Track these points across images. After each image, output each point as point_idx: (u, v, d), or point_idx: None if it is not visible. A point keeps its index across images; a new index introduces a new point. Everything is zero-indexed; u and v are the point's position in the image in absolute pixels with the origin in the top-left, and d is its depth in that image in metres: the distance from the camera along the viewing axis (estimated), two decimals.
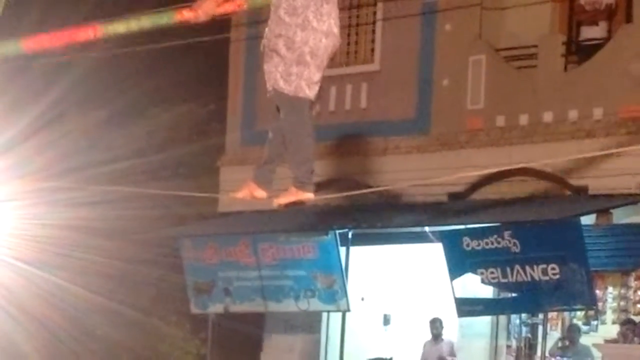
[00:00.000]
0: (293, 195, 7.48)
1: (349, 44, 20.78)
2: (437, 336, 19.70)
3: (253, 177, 7.80)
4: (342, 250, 19.46)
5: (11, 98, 20.11)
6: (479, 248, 18.17)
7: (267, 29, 7.26)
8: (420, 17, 20.21)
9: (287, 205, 7.78)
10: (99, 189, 18.06)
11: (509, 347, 19.88)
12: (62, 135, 22.58)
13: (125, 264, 22.24)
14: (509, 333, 20.03)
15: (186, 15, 7.22)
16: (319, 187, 18.39)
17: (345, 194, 19.83)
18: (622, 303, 18.93)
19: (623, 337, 17.85)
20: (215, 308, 20.91)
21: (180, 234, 21.67)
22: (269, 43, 7.23)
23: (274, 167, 7.76)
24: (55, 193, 17.98)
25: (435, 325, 19.60)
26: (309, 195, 7.47)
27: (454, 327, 19.86)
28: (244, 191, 7.83)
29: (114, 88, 23.81)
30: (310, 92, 7.12)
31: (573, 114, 18.44)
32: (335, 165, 20.46)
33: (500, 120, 18.88)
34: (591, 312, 19.01)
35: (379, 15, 20.80)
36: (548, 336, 18.94)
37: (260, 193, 7.67)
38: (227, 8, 7.41)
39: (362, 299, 20.46)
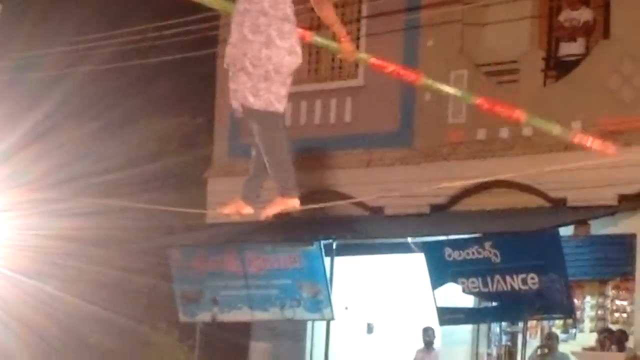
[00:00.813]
0: (279, 205, 7.55)
1: (333, 59, 20.88)
2: (429, 344, 19.70)
3: (241, 195, 7.86)
4: (327, 260, 19.35)
5: (5, 110, 20.18)
6: (460, 258, 18.25)
7: (228, 47, 7.31)
8: (403, 33, 20.25)
9: (275, 215, 7.71)
10: (90, 201, 17.75)
11: (489, 354, 19.88)
12: (55, 147, 22.41)
13: (117, 273, 22.21)
14: (489, 341, 19.96)
15: None
16: (304, 199, 18.58)
17: (329, 204, 16.64)
18: (599, 312, 19.07)
19: (601, 345, 17.90)
20: (203, 316, 20.78)
21: (169, 244, 21.63)
22: (234, 61, 7.38)
23: (261, 181, 7.83)
24: (48, 204, 18.00)
25: (428, 333, 19.59)
26: (294, 203, 7.53)
27: (437, 335, 19.84)
28: (231, 207, 7.86)
29: (106, 101, 23.62)
30: (280, 106, 7.22)
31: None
32: (320, 178, 20.40)
33: (481, 134, 18.91)
34: (569, 321, 19.01)
35: (363, 32, 20.86)
36: (527, 344, 18.88)
37: (247, 210, 7.71)
38: None
39: (346, 308, 20.39)
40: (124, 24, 22.32)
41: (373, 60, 7.62)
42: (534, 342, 19.22)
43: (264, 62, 7.12)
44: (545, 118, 17.48)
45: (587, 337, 18.78)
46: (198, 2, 7.08)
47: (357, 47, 19.98)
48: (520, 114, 7.30)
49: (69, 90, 21.97)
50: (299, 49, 7.08)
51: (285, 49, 7.11)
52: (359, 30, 21.07)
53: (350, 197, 19.55)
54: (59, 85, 22.07)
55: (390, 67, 7.35)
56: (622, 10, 18.33)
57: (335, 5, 17.98)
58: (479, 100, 7.36)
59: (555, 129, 7.64)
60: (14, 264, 20.35)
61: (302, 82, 20.16)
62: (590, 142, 7.13)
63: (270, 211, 7.56)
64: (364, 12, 21.00)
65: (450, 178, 18.11)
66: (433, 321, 19.09)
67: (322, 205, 14.99)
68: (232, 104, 7.45)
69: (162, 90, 24.04)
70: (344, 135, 20.79)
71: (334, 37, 7.37)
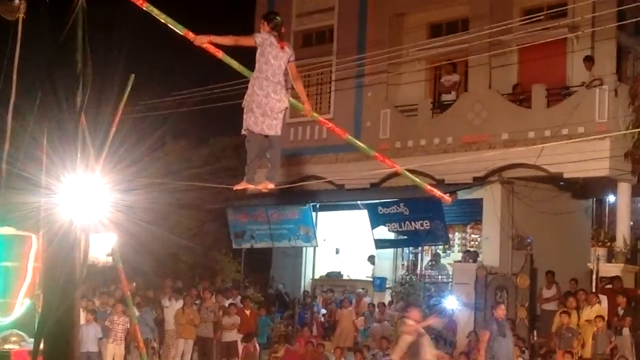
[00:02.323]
0: (266, 185, 8.26)
1: (316, 101, 21.94)
2: (372, 259, 21.54)
3: (245, 178, 8.24)
4: (314, 214, 20.99)
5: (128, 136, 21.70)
6: (387, 212, 19.90)
7: (246, 95, 7.88)
8: (355, 89, 21.45)
9: (267, 188, 8.35)
10: (179, 183, 19.02)
11: (402, 265, 21.74)
12: (162, 158, 23.21)
13: (197, 222, 23.58)
14: (402, 257, 21.77)
15: (189, 35, 6.92)
16: (300, 180, 21.00)
17: (307, 183, 21.00)
18: (462, 241, 21.17)
19: (463, 260, 19.70)
20: (245, 245, 22.19)
21: (225, 205, 22.42)
22: (247, 104, 7.87)
23: (256, 165, 8.21)
24: (157, 187, 19.34)
25: (372, 259, 21.62)
26: (272, 185, 8.26)
27: (374, 255, 21.58)
28: (241, 185, 8.35)
29: (194, 123, 23.89)
30: (269, 131, 7.89)
31: (437, 140, 19.87)
32: (309, 169, 21.95)
33: (397, 144, 20.38)
34: (447, 246, 20.94)
35: (333, 87, 22.00)
36: (423, 259, 21.60)
37: (250, 186, 8.31)
38: (210, 49, 7.08)
39: (324, 240, 21.94)
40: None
41: (320, 118, 9.12)
42: (426, 258, 21.44)
43: (263, 105, 7.77)
44: (433, 135, 19.70)
45: (456, 256, 20.76)
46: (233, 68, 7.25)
47: (329, 93, 22.22)
48: (394, 165, 8.88)
49: (170, 124, 22.67)
50: (286, 100, 7.84)
51: (277, 99, 7.79)
52: (330, 85, 22.16)
53: (324, 179, 20.32)
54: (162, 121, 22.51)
55: (328, 125, 8.92)
56: (476, 76, 19.99)
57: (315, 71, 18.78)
58: (375, 154, 8.37)
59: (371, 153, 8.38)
60: (142, 217, 19.02)
61: (301, 116, 19.93)
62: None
63: (263, 187, 8.29)
64: (333, 77, 21.86)
65: (380, 169, 17.74)
66: (372, 247, 20.90)
67: (295, 185, 18.23)
68: (252, 127, 7.88)
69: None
70: (322, 146, 21.42)
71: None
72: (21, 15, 9.72)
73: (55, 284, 2.50)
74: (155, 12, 6.48)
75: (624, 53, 19.14)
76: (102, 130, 9.26)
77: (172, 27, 6.68)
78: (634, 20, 17.37)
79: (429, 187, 8.63)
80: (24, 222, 10.50)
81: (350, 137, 8.53)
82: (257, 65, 7.73)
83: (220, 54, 7.01)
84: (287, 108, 7.93)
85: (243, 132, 7.95)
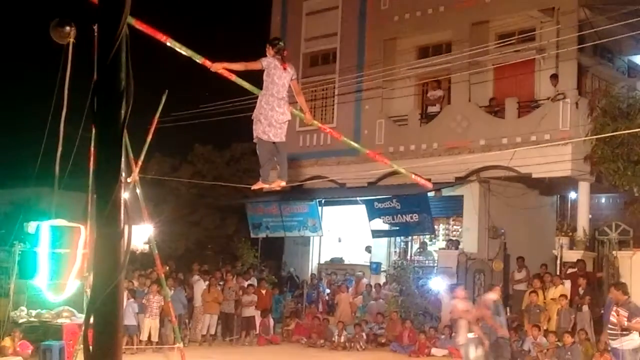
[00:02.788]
0: (279, 183, 8.39)
1: (321, 113, 22.19)
2: (369, 249, 21.62)
3: (260, 178, 8.27)
4: (320, 208, 20.96)
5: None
6: (381, 206, 19.75)
7: (255, 109, 7.94)
8: (354, 103, 21.39)
9: (279, 186, 8.55)
10: (206, 183, 19.91)
11: (395, 251, 21.73)
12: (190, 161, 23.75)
13: (223, 216, 24.00)
14: (395, 245, 21.78)
15: (206, 63, 6.85)
16: (309, 179, 20.99)
17: (307, 183, 21.07)
18: (446, 231, 21.09)
19: (447, 247, 19.65)
20: (262, 235, 22.20)
21: (245, 201, 22.25)
22: (256, 116, 7.91)
23: (269, 167, 8.20)
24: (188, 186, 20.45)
25: (369, 248, 21.62)
26: (284, 183, 8.38)
27: (371, 243, 21.56)
28: (257, 185, 8.38)
29: (212, 133, 23.65)
30: (275, 139, 7.92)
31: (424, 146, 19.83)
32: (316, 170, 21.86)
33: (391, 149, 20.11)
34: (433, 236, 20.79)
35: (336, 100, 21.93)
36: (412, 247, 21.59)
37: (265, 186, 8.39)
38: (224, 74, 6.97)
39: (328, 230, 21.75)
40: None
41: (319, 125, 8.93)
42: (415, 246, 21.37)
43: (269, 117, 7.79)
44: (421, 141, 19.67)
45: (440, 244, 20.70)
46: (241, 85, 7.09)
47: (333, 107, 22.10)
48: (384, 160, 8.58)
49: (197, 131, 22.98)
50: (289, 113, 7.90)
51: (281, 113, 7.82)
52: (333, 99, 22.10)
53: (328, 178, 21.01)
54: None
55: (327, 130, 8.95)
56: (457, 91, 19.91)
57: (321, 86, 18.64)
58: (367, 152, 8.37)
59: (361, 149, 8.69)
60: (173, 211, 21.83)
61: (308, 126, 20.14)
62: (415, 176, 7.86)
63: (276, 186, 8.46)
64: (336, 92, 21.83)
65: (376, 169, 19.37)
66: (369, 236, 20.59)
67: (299, 182, 18.99)
68: (261, 135, 7.89)
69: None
70: (326, 150, 21.44)
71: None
72: (71, 40, 9.96)
73: (103, 267, 2.54)
74: (177, 46, 6.47)
75: (584, 71, 19.27)
76: (141, 138, 9.78)
77: (192, 57, 6.63)
78: (592, 43, 17.57)
79: (413, 176, 8.49)
80: (74, 215, 11.56)
81: (345, 138, 8.51)
82: (264, 84, 7.76)
83: (233, 77, 7.01)
84: (289, 119, 7.95)
85: (254, 140, 7.99)
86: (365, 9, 21.76)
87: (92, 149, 7.83)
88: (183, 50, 6.56)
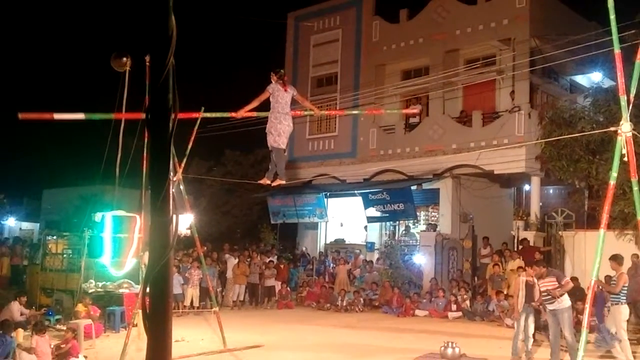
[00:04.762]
0: (280, 181, 8.52)
1: (326, 124, 22.17)
2: (365, 228, 21.05)
3: (266, 176, 8.46)
4: (325, 200, 20.90)
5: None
6: (375, 198, 19.51)
7: (267, 124, 8.09)
8: (353, 117, 21.09)
9: (280, 184, 8.64)
10: (232, 180, 19.58)
11: (386, 233, 21.35)
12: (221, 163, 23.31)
13: (249, 206, 23.75)
14: (385, 228, 21.39)
15: (232, 114, 7.04)
16: (317, 176, 21.00)
17: (319, 177, 21.39)
18: (426, 217, 20.73)
19: (427, 229, 19.63)
20: (280, 221, 21.93)
21: (266, 194, 21.43)
22: (268, 130, 8.10)
23: (274, 169, 8.40)
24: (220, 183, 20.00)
25: (366, 227, 20.99)
26: (283, 181, 8.49)
27: (366, 227, 21.19)
28: (263, 180, 8.53)
29: (240, 139, 22.77)
30: (282, 146, 8.13)
31: (408, 149, 19.68)
32: (322, 169, 21.84)
33: (381, 152, 20.35)
34: (415, 221, 20.54)
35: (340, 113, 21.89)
36: (399, 230, 21.38)
37: (268, 181, 8.53)
38: (247, 115, 7.27)
39: (333, 217, 21.76)
40: None
41: (326, 112, 9.89)
42: (401, 229, 21.20)
43: (277, 129, 7.97)
44: (405, 146, 19.48)
45: (422, 227, 20.48)
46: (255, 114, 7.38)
47: (335, 120, 21.72)
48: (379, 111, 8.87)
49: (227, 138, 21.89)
50: (291, 124, 8.09)
51: (286, 124, 8.01)
52: (336, 105, 21.43)
53: (332, 176, 21.32)
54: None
55: (333, 113, 9.93)
56: (434, 106, 20.02)
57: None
58: (366, 111, 8.92)
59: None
60: (210, 203, 21.66)
61: (317, 134, 21.89)
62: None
63: (277, 183, 8.55)
64: (338, 107, 21.29)
65: (371, 168, 19.65)
66: (365, 222, 20.45)
67: (300, 180, 19.17)
68: (273, 144, 8.08)
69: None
70: (330, 153, 21.77)
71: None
72: (128, 69, 9.98)
73: (156, 247, 2.55)
74: (208, 114, 6.78)
75: (535, 89, 19.14)
76: (183, 145, 9.72)
77: (220, 116, 7.08)
78: (541, 66, 17.59)
79: (403, 110, 8.88)
80: (131, 207, 11.57)
81: (346, 113, 8.62)
82: (271, 104, 7.95)
83: (254, 114, 7.35)
84: (292, 129, 8.10)
85: (270, 148, 8.15)
86: (360, 41, 21.74)
87: (145, 154, 7.90)
88: (213, 115, 6.94)
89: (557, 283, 9.13)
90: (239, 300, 17.31)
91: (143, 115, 6.99)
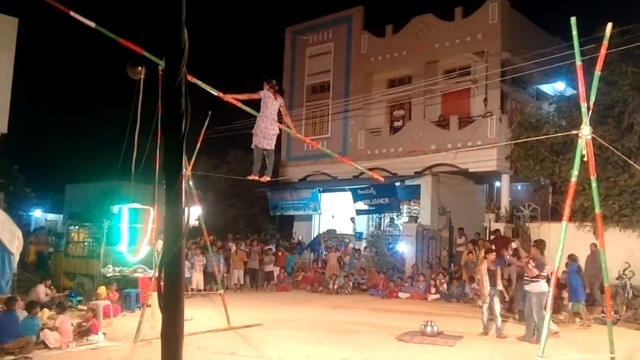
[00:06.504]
0: (266, 177, 8.28)
1: (320, 127, 21.76)
2: (352, 220, 20.76)
3: (252, 171, 8.23)
4: (319, 194, 20.61)
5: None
6: (363, 193, 19.25)
7: (255, 125, 7.92)
8: (343, 120, 21.03)
9: (266, 180, 8.27)
10: (236, 178, 17.60)
11: (372, 224, 21.16)
12: (225, 161, 22.48)
13: (250, 200, 23.05)
14: (372, 220, 21.27)
15: (220, 94, 6.71)
16: (311, 174, 20.77)
17: (312, 174, 20.72)
18: (408, 210, 20.53)
19: (409, 221, 19.33)
20: (278, 213, 21.74)
21: (265, 189, 20.66)
22: (255, 131, 7.97)
23: (258, 165, 8.22)
24: (225, 179, 19.08)
25: (353, 219, 20.84)
26: (269, 178, 8.26)
27: (355, 219, 20.87)
28: (252, 176, 8.30)
29: (243, 140, 22.79)
30: (268, 147, 7.96)
31: (392, 149, 19.43)
32: (316, 167, 21.47)
33: (369, 152, 20.05)
34: (399, 213, 20.31)
35: (330, 118, 21.59)
36: (385, 221, 20.50)
37: (255, 177, 8.28)
38: (232, 102, 6.90)
39: (325, 210, 21.44)
40: None
41: (303, 138, 9.51)
42: (386, 220, 20.92)
43: (263, 131, 7.86)
44: (390, 146, 19.20)
45: (404, 219, 20.24)
46: (241, 108, 6.95)
47: (328, 120, 21.28)
48: (349, 162, 8.67)
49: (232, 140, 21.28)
50: (277, 128, 7.96)
51: (272, 128, 7.88)
52: (328, 117, 21.52)
53: (324, 173, 21.12)
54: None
55: (307, 141, 9.14)
56: (415, 111, 19.35)
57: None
58: (337, 156, 8.51)
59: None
60: (215, 197, 20.98)
61: (309, 135, 21.17)
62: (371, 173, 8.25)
63: (264, 179, 8.27)
64: (330, 112, 21.43)
65: (360, 166, 18.97)
66: (353, 213, 20.04)
67: (312, 175, 18.98)
68: (257, 144, 7.92)
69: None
70: (323, 153, 18.86)
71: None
72: (142, 77, 9.96)
73: (170, 236, 2.55)
74: (199, 82, 6.44)
75: (505, 96, 18.94)
76: (192, 144, 9.69)
77: (208, 90, 6.63)
78: (511, 76, 17.42)
79: (370, 173, 8.67)
80: (145, 200, 11.49)
81: (319, 146, 8.64)
82: (261, 108, 7.78)
83: (239, 104, 6.94)
84: (278, 133, 7.94)
85: (252, 146, 7.98)
86: (350, 53, 21.44)
87: (157, 153, 7.84)
88: (202, 85, 6.52)
89: (535, 269, 9.20)
90: (240, 284, 17.07)
91: (143, 52, 6.73)
